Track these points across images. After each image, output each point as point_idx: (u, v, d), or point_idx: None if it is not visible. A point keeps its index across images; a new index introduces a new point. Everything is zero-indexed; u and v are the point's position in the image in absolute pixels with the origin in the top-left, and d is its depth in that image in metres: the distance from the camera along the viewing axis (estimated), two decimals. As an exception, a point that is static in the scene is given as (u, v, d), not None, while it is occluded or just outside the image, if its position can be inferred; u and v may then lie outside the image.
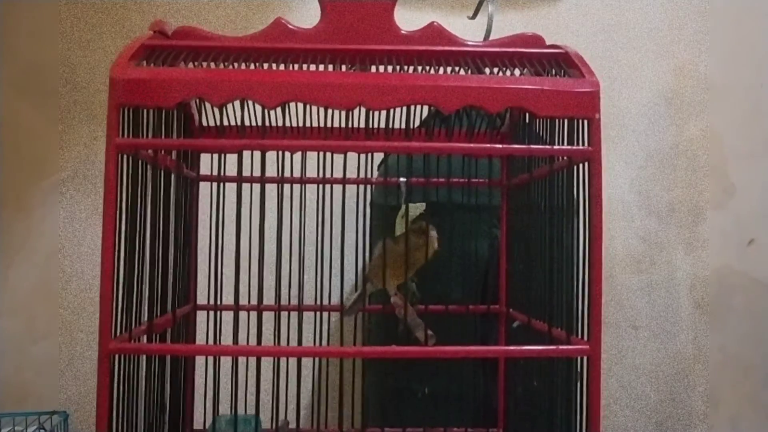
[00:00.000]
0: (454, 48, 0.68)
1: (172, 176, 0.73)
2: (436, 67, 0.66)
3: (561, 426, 0.65)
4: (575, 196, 0.64)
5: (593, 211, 0.60)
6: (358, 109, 0.60)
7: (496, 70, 0.67)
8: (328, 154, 0.83)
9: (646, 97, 1.53)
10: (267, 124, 0.78)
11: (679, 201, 1.52)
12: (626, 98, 1.52)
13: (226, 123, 0.76)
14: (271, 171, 0.69)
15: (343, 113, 0.62)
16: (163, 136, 0.67)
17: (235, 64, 0.66)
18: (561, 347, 0.62)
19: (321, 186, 0.84)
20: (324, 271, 0.84)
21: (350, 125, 0.64)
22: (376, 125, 0.70)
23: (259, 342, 0.63)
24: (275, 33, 0.70)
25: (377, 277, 0.81)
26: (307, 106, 0.71)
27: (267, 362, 0.64)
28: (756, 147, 1.54)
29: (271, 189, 0.66)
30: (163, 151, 0.70)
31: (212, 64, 0.65)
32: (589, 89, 0.60)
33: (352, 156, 0.79)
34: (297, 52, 0.67)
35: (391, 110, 0.67)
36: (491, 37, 0.76)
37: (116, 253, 0.58)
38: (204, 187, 0.83)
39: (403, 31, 0.71)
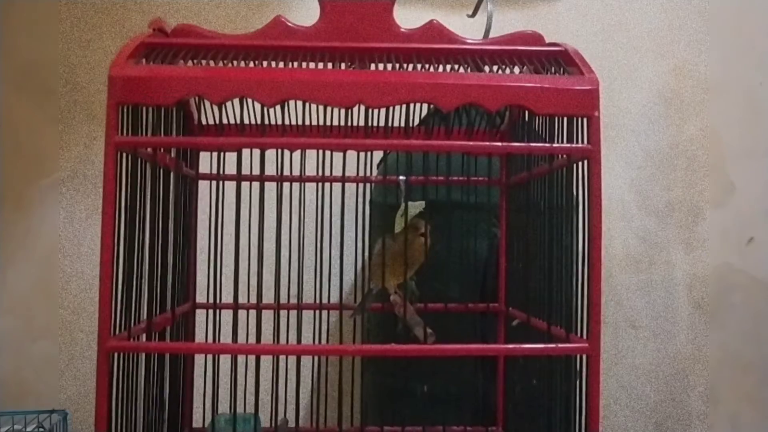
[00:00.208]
0: (453, 46, 0.68)
1: (172, 175, 0.72)
2: (436, 65, 0.66)
3: (560, 425, 0.65)
4: (575, 194, 0.64)
5: (593, 209, 0.60)
6: (357, 107, 0.60)
7: (495, 68, 0.67)
8: (328, 153, 0.83)
9: (645, 97, 1.53)
10: (266, 122, 0.78)
11: (678, 201, 1.52)
12: (625, 98, 1.52)
13: (225, 121, 0.76)
14: (270, 169, 0.69)
15: (343, 111, 0.62)
16: (162, 135, 0.67)
17: (235, 63, 0.66)
18: (560, 345, 0.62)
19: (320, 184, 0.84)
20: (323, 269, 0.84)
21: (350, 123, 0.64)
22: (375, 124, 0.70)
23: (258, 340, 0.63)
24: (275, 31, 0.70)
25: (376, 276, 0.81)
26: (307, 105, 0.71)
27: (266, 361, 0.64)
28: (756, 145, 1.54)
29: (271, 187, 0.66)
30: (162, 150, 0.70)
31: (211, 63, 0.65)
32: (589, 87, 0.60)
33: (351, 154, 0.79)
34: (296, 51, 0.67)
35: (391, 108, 0.67)
36: (491, 36, 0.76)
37: (115, 251, 0.58)
38: (203, 186, 0.83)
39: (402, 29, 0.71)
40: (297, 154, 0.81)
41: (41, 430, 1.22)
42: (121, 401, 0.61)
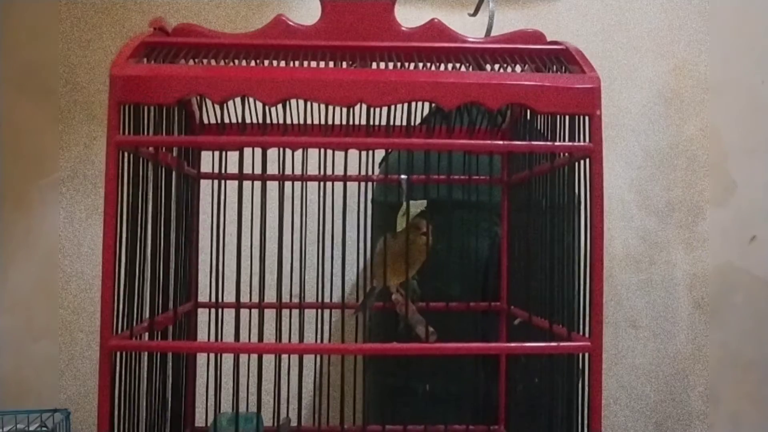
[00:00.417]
0: (454, 45, 0.68)
1: (173, 174, 0.73)
2: (437, 64, 0.66)
3: (562, 423, 0.65)
4: (576, 193, 0.64)
5: (594, 207, 0.60)
6: (358, 106, 0.60)
7: (496, 66, 0.67)
8: (329, 152, 0.83)
9: (645, 96, 1.53)
10: (268, 121, 0.78)
11: (678, 200, 1.52)
12: (625, 98, 1.52)
13: (227, 120, 0.76)
14: (272, 168, 0.69)
15: (344, 111, 0.62)
16: (163, 134, 0.67)
17: (236, 61, 0.66)
18: (562, 344, 0.62)
19: (322, 183, 0.84)
20: (325, 268, 0.84)
21: (351, 122, 0.64)
22: (376, 123, 0.70)
23: (260, 339, 0.63)
24: (276, 30, 0.70)
25: (378, 275, 0.81)
26: (308, 104, 0.71)
27: (268, 360, 0.64)
28: (756, 143, 1.54)
29: (272, 186, 0.66)
30: (163, 149, 0.70)
31: (212, 62, 0.65)
32: (590, 85, 0.60)
33: (353, 153, 0.79)
34: (297, 50, 0.67)
35: (392, 107, 0.67)
36: (492, 34, 0.76)
37: (117, 249, 0.58)
38: (205, 185, 0.83)
39: (403, 28, 0.71)
40: (298, 153, 0.81)
41: (44, 429, 1.22)
42: (123, 400, 0.61)
